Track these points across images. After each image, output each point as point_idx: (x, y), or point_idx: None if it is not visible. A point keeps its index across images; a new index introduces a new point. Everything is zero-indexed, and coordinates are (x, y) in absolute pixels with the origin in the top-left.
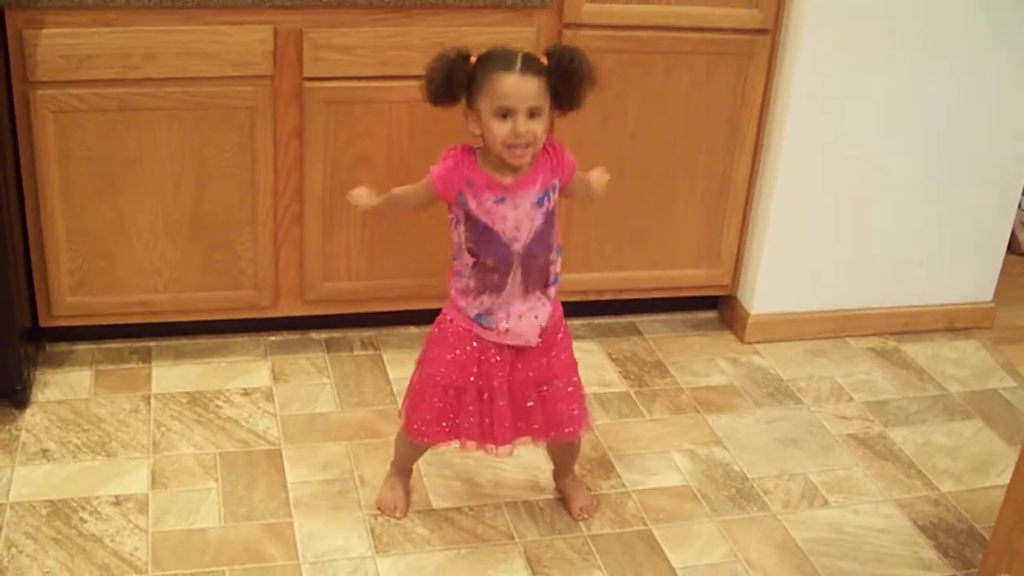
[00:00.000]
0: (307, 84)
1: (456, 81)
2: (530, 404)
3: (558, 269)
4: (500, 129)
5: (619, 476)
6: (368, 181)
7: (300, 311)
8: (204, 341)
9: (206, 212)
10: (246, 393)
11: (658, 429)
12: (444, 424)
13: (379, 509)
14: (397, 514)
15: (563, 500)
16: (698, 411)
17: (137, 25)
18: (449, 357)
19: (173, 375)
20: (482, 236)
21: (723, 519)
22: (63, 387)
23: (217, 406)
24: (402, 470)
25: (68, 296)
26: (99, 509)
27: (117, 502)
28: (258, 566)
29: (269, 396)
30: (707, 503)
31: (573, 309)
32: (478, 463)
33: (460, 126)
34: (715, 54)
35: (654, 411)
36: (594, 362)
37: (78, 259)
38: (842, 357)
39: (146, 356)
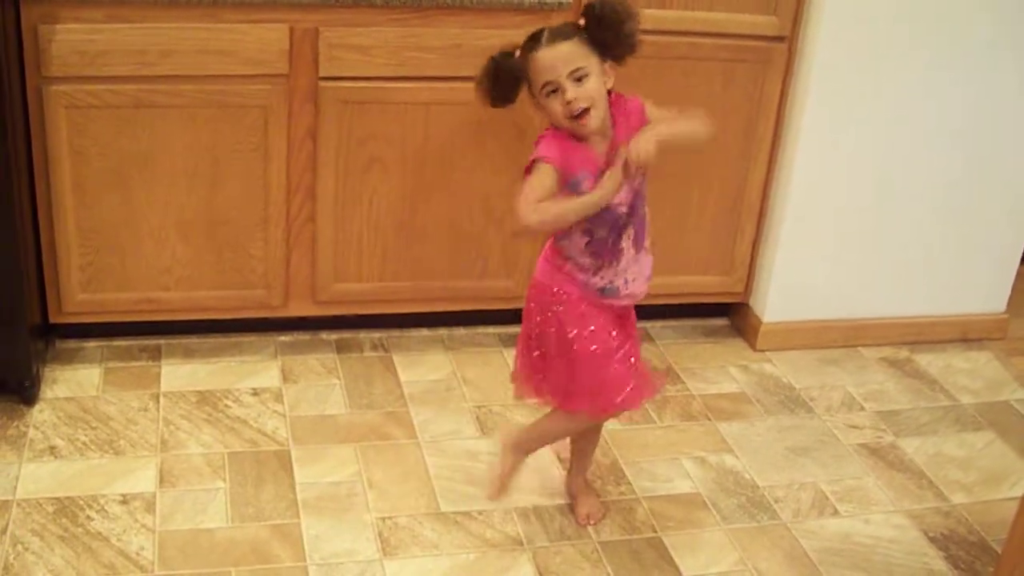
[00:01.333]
0: (322, 84)
1: (506, 80)
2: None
3: (651, 218)
4: (555, 105)
5: (629, 483)
6: (382, 183)
7: (311, 311)
8: (214, 340)
9: (218, 210)
10: (255, 393)
11: (669, 436)
12: (629, 385)
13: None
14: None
15: (572, 504)
16: (709, 418)
17: (153, 22)
18: (597, 324)
19: (182, 374)
20: (598, 225)
21: (733, 527)
22: (72, 384)
23: (226, 405)
24: (530, 451)
25: (78, 293)
26: (106, 507)
27: (124, 501)
28: (265, 567)
29: (278, 396)
30: (717, 511)
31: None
32: (488, 468)
33: (474, 130)
34: (732, 60)
35: (665, 418)
36: None
37: (89, 256)
38: (854, 366)
39: (156, 354)
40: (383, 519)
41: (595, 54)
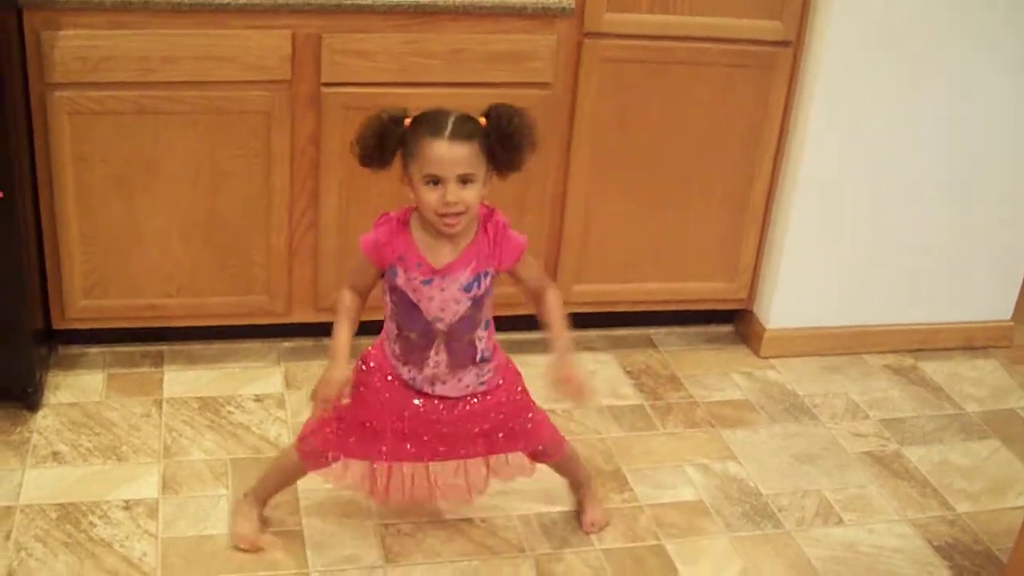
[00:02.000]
0: (325, 90)
1: (388, 145)
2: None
3: (485, 346)
4: (430, 197)
5: (632, 490)
6: (385, 188)
7: (313, 318)
8: (217, 346)
9: (221, 217)
10: (258, 399)
11: (672, 443)
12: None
13: (239, 545)
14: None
15: (577, 511)
16: (712, 426)
17: (155, 28)
18: (380, 399)
19: (185, 380)
20: (406, 311)
21: (736, 535)
22: (75, 390)
23: (229, 411)
24: (264, 499)
25: (81, 299)
26: (109, 513)
27: (127, 507)
28: (268, 574)
29: (281, 403)
30: (721, 519)
31: (588, 320)
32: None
33: None
34: (736, 66)
35: (668, 425)
36: (608, 374)
37: (92, 262)
38: (858, 374)
39: (158, 360)
40: (386, 525)
41: (486, 162)
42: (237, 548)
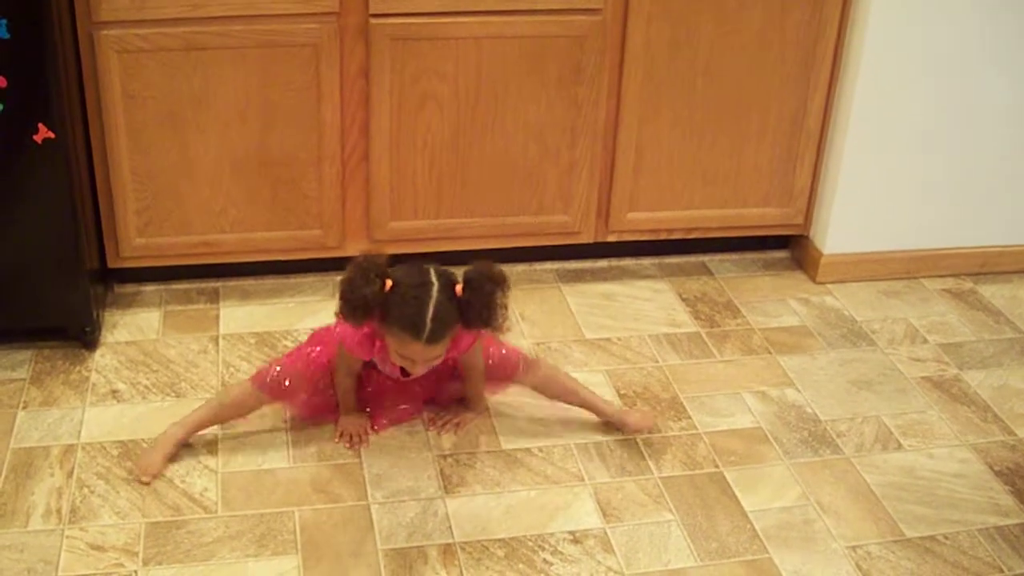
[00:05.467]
0: (373, 21)
1: (370, 308)
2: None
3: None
4: (400, 360)
5: (690, 418)
6: (435, 120)
7: (368, 250)
8: (271, 281)
9: (272, 151)
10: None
11: (729, 370)
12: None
13: (141, 477)
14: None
15: (619, 427)
16: (770, 352)
17: None
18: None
19: (241, 315)
20: (374, 381)
21: (795, 462)
22: (132, 328)
23: (285, 346)
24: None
25: (135, 237)
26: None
27: (187, 442)
28: (327, 507)
29: None
30: (779, 445)
31: (642, 248)
32: (552, 404)
33: (528, 64)
34: None
35: (725, 352)
36: (664, 302)
37: (145, 200)
38: (917, 298)
39: (214, 297)
40: (444, 457)
41: (460, 328)
42: (139, 481)
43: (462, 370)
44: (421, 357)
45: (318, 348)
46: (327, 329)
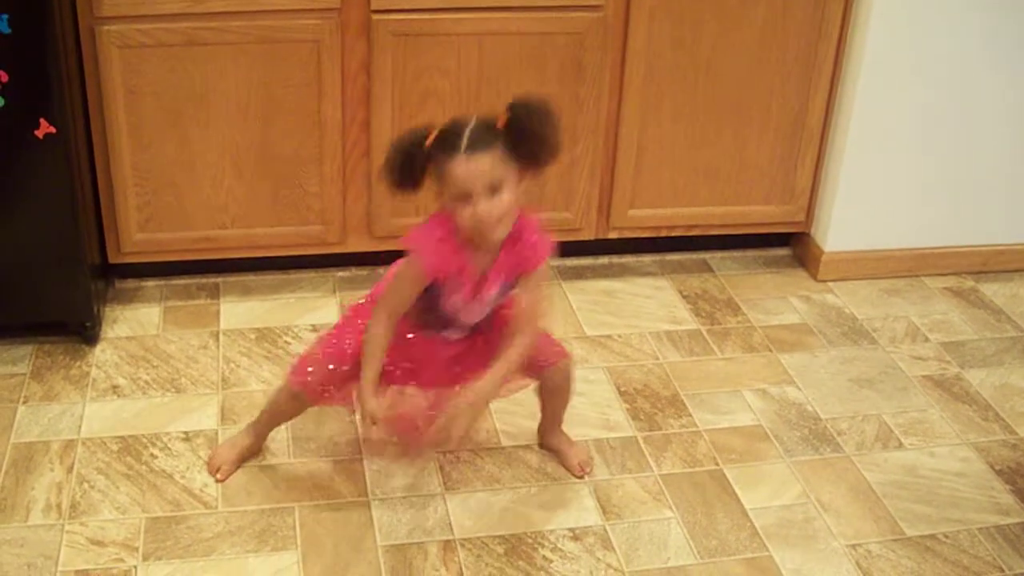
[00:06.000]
0: (375, 17)
1: (415, 169)
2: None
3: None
4: (465, 213)
5: (690, 415)
6: (437, 115)
7: (368, 246)
8: (272, 277)
9: (273, 147)
10: (314, 329)
11: (730, 368)
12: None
13: (208, 465)
14: (219, 476)
15: (558, 458)
16: (771, 350)
17: None
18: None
19: (241, 311)
20: (430, 309)
21: (795, 460)
22: (132, 323)
23: (286, 342)
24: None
25: (136, 232)
26: (169, 445)
27: (187, 438)
28: (328, 503)
29: None
30: (779, 443)
31: (643, 245)
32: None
33: (529, 60)
34: None
35: (726, 349)
36: (665, 299)
37: (146, 195)
38: (918, 297)
39: (214, 292)
40: (444, 453)
41: (513, 163)
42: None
43: (514, 310)
44: (471, 182)
45: (359, 320)
46: (361, 305)
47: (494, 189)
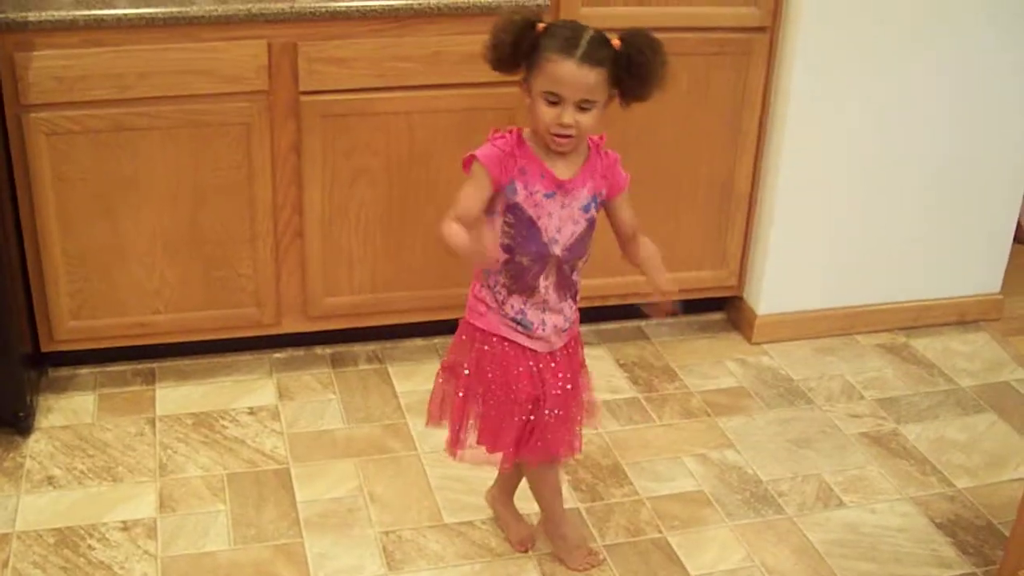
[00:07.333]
0: (303, 98)
1: (520, 49)
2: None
3: (579, 281)
4: (547, 113)
5: (631, 483)
6: (368, 194)
7: (304, 327)
8: (207, 360)
9: (205, 230)
10: (252, 412)
11: (669, 434)
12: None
13: (520, 547)
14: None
15: (501, 526)
16: (709, 414)
17: (129, 44)
18: (516, 372)
19: (177, 396)
20: (523, 231)
21: (738, 523)
22: (67, 412)
23: (223, 426)
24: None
25: (69, 320)
26: (107, 535)
27: (125, 527)
28: None
29: (275, 414)
30: (721, 508)
31: (580, 315)
32: (490, 475)
33: (458, 136)
34: (714, 54)
35: (664, 416)
36: (602, 368)
37: (77, 282)
38: (852, 354)
39: (149, 378)
40: (387, 533)
41: (610, 88)
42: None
43: (619, 231)
44: (571, 89)
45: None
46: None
47: (585, 104)
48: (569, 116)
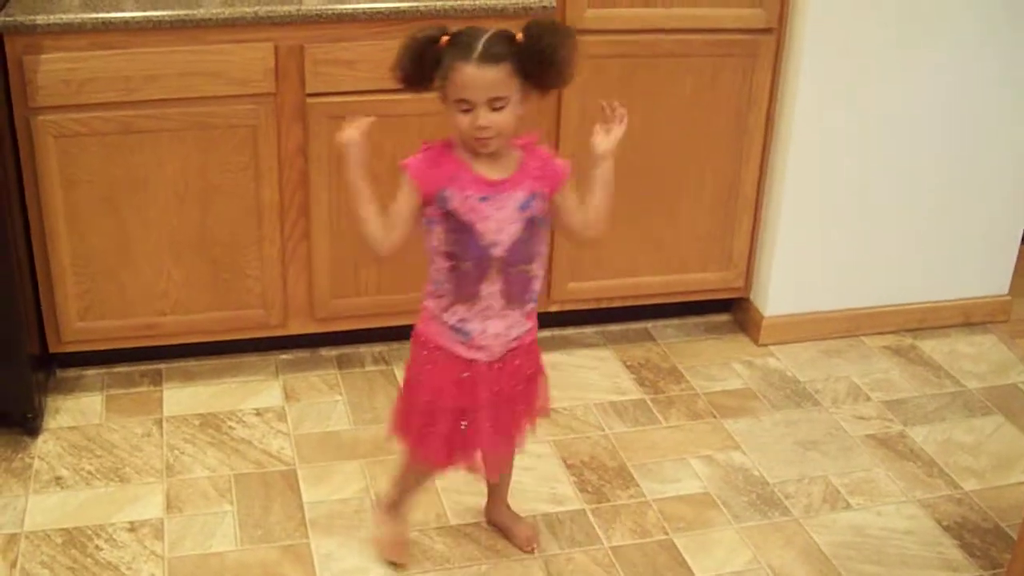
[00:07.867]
0: (310, 100)
1: (425, 66)
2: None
3: (538, 286)
4: (462, 120)
5: (638, 485)
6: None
7: (310, 328)
8: (214, 362)
9: (212, 232)
10: (258, 413)
11: (675, 436)
12: (448, 448)
13: (385, 556)
14: (405, 559)
15: (505, 534)
16: (715, 416)
17: (137, 47)
18: (444, 381)
19: (184, 397)
20: (461, 237)
21: (744, 525)
22: (75, 413)
23: (230, 427)
24: (403, 506)
25: (76, 321)
26: (114, 536)
27: (132, 528)
28: None
29: (282, 415)
30: (728, 510)
31: (586, 317)
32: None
33: None
34: (720, 55)
35: (671, 418)
36: (609, 370)
37: (85, 283)
38: (858, 356)
39: (156, 379)
40: None
41: (519, 80)
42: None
43: (567, 224)
44: (477, 91)
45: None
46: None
47: (496, 103)
48: (483, 118)
